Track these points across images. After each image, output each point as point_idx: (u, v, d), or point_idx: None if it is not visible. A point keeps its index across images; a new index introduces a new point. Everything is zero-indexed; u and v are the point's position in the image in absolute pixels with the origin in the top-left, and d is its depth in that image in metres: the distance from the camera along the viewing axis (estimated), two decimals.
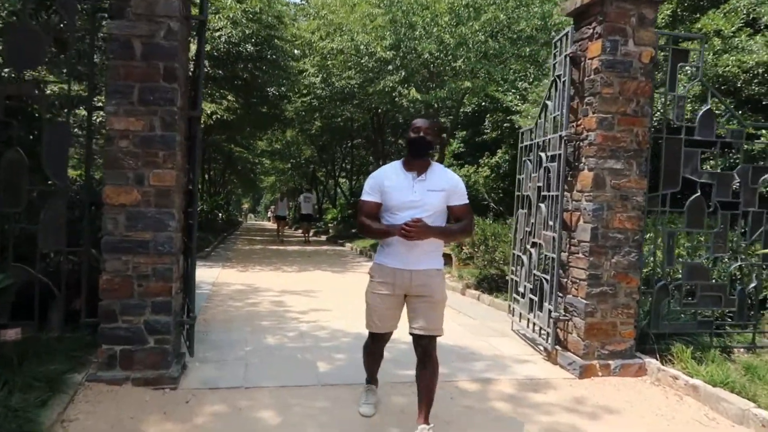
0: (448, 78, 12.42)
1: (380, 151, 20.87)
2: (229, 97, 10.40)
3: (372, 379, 3.43)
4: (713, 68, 7.10)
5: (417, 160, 3.01)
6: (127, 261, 3.58)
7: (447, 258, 10.80)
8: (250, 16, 11.08)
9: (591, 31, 4.25)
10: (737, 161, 6.03)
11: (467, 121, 16.10)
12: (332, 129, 21.13)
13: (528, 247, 5.11)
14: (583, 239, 4.22)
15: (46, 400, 3.09)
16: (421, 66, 12.48)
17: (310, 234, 20.61)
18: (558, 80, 4.60)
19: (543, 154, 4.84)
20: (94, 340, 3.84)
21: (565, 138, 4.35)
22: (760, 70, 7.13)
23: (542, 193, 4.82)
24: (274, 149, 29.43)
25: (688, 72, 6.33)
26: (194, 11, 4.15)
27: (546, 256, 4.71)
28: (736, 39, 7.41)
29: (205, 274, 9.28)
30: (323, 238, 22.72)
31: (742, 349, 4.56)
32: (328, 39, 12.40)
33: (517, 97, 12.61)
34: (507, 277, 6.62)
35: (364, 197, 3.04)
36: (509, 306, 5.64)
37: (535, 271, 4.88)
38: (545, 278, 4.62)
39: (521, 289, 5.22)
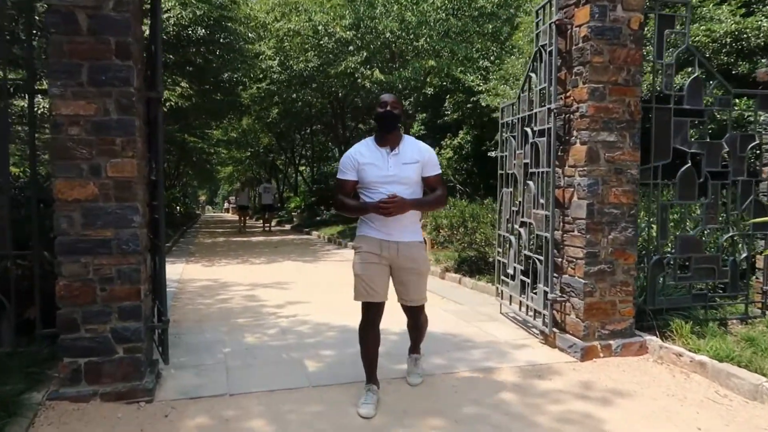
0: (411, 58, 12.13)
1: (340, 137, 20.46)
2: (182, 84, 9.82)
3: (371, 377, 3.22)
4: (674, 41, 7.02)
5: (388, 135, 3.07)
6: (86, 263, 3.18)
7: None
8: None
9: None
10: (710, 131, 5.97)
11: (427, 103, 15.86)
12: (290, 115, 20.53)
13: (516, 227, 4.90)
14: (578, 216, 4.02)
15: (2, 427, 2.70)
16: (383, 46, 12.14)
17: (272, 224, 20.39)
18: (543, 50, 4.37)
19: (529, 129, 4.62)
20: (52, 353, 3.45)
21: (554, 110, 4.12)
22: (728, 40, 7.10)
23: (530, 170, 4.60)
24: (231, 138, 28.54)
25: (670, 40, 6.20)
26: None
27: (538, 235, 4.50)
28: (704, 8, 7.34)
29: (169, 270, 8.66)
30: (287, 227, 22.24)
31: (734, 321, 4.48)
32: (285, 20, 11.90)
33: (479, 76, 12.47)
34: (490, 259, 6.44)
35: (340, 176, 3.10)
36: (497, 289, 5.44)
37: (525, 252, 4.68)
38: (538, 259, 4.42)
39: (510, 271, 5.02)
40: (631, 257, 4.06)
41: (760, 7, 7.29)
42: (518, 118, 4.89)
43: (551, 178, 4.19)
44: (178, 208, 23.02)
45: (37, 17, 4.08)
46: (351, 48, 11.89)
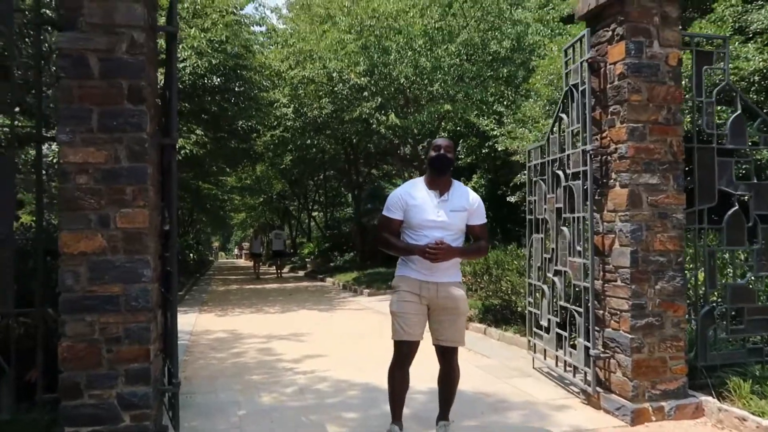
0: (425, 102, 12.07)
1: (354, 182, 20.37)
2: (198, 131, 9.77)
3: (397, 416, 3.15)
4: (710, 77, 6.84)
5: (439, 178, 3.09)
6: (92, 322, 2.93)
7: None
8: (216, 45, 10.54)
9: (610, 33, 3.83)
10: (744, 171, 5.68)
11: None
12: (304, 161, 20.57)
13: (549, 275, 4.59)
14: (621, 264, 3.72)
15: None
16: (397, 92, 12.11)
17: (283, 270, 20.53)
18: (574, 90, 4.16)
19: (560, 172, 4.37)
20: (54, 420, 3.15)
21: (590, 152, 3.88)
22: (756, 78, 6.90)
23: (563, 215, 4.33)
24: (245, 185, 28.65)
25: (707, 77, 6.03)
26: (161, 21, 3.60)
27: (574, 285, 4.19)
28: (731, 47, 7.17)
29: (181, 321, 8.43)
30: (301, 273, 21.94)
31: None
32: (299, 68, 11.94)
33: (493, 120, 12.36)
34: (519, 309, 6.09)
35: (387, 213, 3.12)
36: (529, 342, 5.09)
37: (561, 303, 4.36)
38: (577, 311, 4.09)
39: (544, 323, 4.69)
40: (681, 309, 3.73)
41: None
42: (548, 161, 4.65)
43: (589, 223, 3.91)
44: (191, 255, 22.82)
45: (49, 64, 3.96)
46: (365, 93, 11.86)
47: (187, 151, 9.27)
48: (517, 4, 12.40)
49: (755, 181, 4.23)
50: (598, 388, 3.85)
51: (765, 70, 6.80)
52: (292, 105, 13.47)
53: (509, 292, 6.21)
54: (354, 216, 22.87)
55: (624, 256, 3.69)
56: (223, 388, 4.59)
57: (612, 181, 3.81)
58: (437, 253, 2.90)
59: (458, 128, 14.29)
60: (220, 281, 19.23)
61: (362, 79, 11.35)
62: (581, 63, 4.04)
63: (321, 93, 13.30)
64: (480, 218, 3.15)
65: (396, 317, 3.06)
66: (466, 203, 3.09)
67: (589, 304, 3.89)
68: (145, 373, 2.96)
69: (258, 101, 11.89)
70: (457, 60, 11.50)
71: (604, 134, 3.90)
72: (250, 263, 23.76)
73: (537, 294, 4.93)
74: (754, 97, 6.95)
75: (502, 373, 4.89)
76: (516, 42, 11.82)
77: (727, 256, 4.52)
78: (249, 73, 11.38)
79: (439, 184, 3.08)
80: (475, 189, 15.63)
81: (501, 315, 6.82)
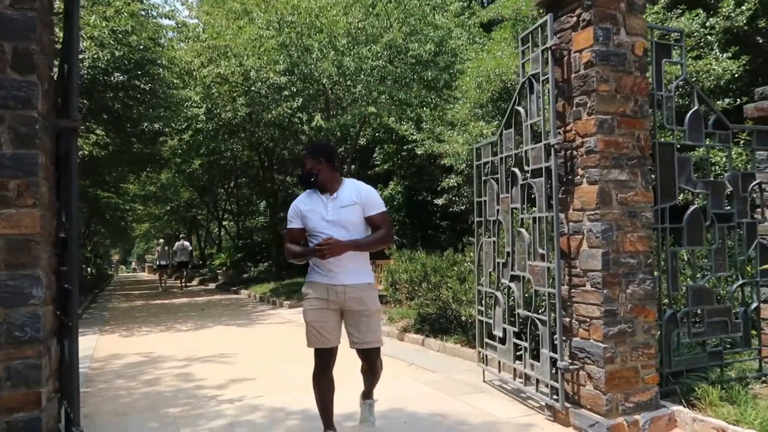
0: (348, 104, 11.63)
1: (268, 189, 19.52)
2: (98, 131, 8.68)
3: (329, 424, 3.17)
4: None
5: (319, 185, 3.15)
6: None
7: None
8: (120, 37, 9.51)
9: (575, 19, 3.56)
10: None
11: (356, 154, 15.37)
12: (215, 167, 19.47)
13: (505, 281, 4.26)
14: (591, 267, 3.43)
15: None
16: (319, 93, 11.59)
17: (188, 282, 20.17)
18: (534, 81, 3.86)
19: (517, 170, 4.06)
20: None
21: (555, 146, 3.59)
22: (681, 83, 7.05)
23: (520, 216, 4.02)
24: (148, 193, 26.80)
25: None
26: None
27: (536, 292, 3.87)
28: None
29: (80, 344, 7.47)
30: (212, 286, 20.73)
31: (750, 379, 4.00)
32: (213, 65, 11.10)
33: (412, 126, 12.18)
34: (460, 318, 5.74)
35: (288, 225, 3.20)
36: (479, 353, 4.73)
37: (520, 311, 4.03)
38: (540, 319, 3.77)
39: (497, 333, 4.35)
40: (652, 314, 3.50)
41: (708, 51, 7.34)
42: (501, 158, 4.34)
43: (554, 224, 3.61)
44: (89, 269, 20.96)
45: None
46: (285, 93, 11.23)
47: (86, 153, 8.19)
48: (440, 7, 12.27)
49: (712, 179, 4.13)
50: (566, 404, 3.54)
51: (693, 75, 6.93)
52: (205, 105, 12.54)
53: (450, 300, 5.86)
54: (268, 225, 21.97)
55: (594, 259, 3.40)
56: (135, 426, 3.86)
57: (579, 177, 3.53)
58: (324, 248, 2.92)
59: (377, 134, 13.98)
60: (122, 297, 17.68)
61: (282, 78, 10.73)
62: (542, 51, 3.75)
63: (236, 93, 12.51)
64: (375, 207, 3.12)
65: (309, 325, 3.09)
66: (356, 197, 3.10)
67: (555, 312, 3.58)
68: (35, 426, 2.26)
69: (167, 99, 10.88)
70: (380, 62, 11.16)
71: (568, 127, 3.62)
72: (155, 276, 22.29)
73: (488, 301, 4.60)
74: (679, 101, 7.09)
75: (453, 389, 4.49)
76: (438, 46, 11.68)
77: (686, 257, 4.40)
78: (157, 69, 10.39)
79: (328, 187, 3.13)
80: (392, 196, 15.48)
81: (438, 324, 6.47)
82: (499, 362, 4.37)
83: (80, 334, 7.91)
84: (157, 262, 19.97)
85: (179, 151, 17.66)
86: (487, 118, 8.45)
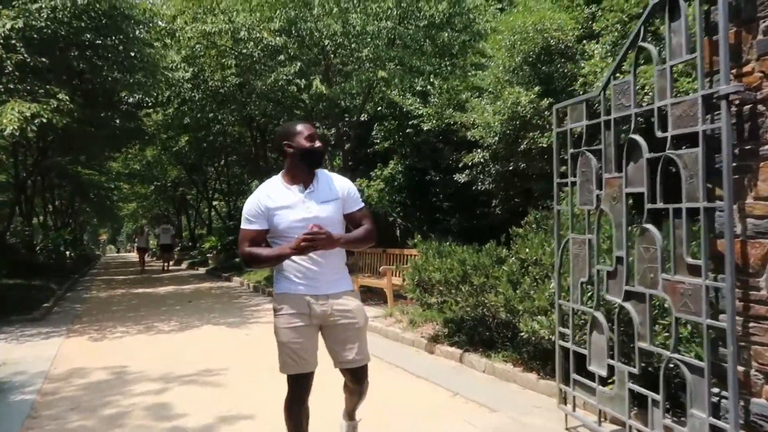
0: (354, 69, 10.21)
1: (262, 168, 18.11)
2: (60, 96, 7.27)
3: None
4: None
5: (303, 172, 2.61)
6: None
7: (381, 294, 8.47)
8: None
9: None
10: None
11: (359, 130, 14.05)
12: (206, 144, 18.08)
13: (614, 298, 2.98)
14: None
15: None
16: (320, 55, 10.16)
17: (170, 264, 20.50)
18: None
19: (639, 138, 2.75)
20: None
21: (726, 97, 2.27)
22: None
23: (647, 206, 2.72)
24: (133, 171, 25.29)
25: None
26: None
27: (678, 319, 2.59)
28: None
29: (37, 352, 6.20)
30: (202, 270, 19.46)
31: None
32: (198, 22, 9.61)
33: (418, 100, 10.96)
34: (517, 332, 4.45)
35: (246, 226, 2.59)
36: (560, 391, 3.47)
37: (643, 345, 2.75)
38: (687, 364, 2.50)
39: (594, 368, 3.08)
40: None
41: None
42: (607, 121, 3.02)
43: (726, 220, 2.31)
44: (68, 253, 19.57)
45: None
46: (281, 57, 9.80)
47: (44, 120, 6.79)
48: None
49: None
50: None
51: None
52: (191, 69, 11.06)
53: (500, 309, 4.58)
54: None
55: None
56: None
57: (767, 148, 2.23)
58: (316, 240, 2.40)
59: (380, 108, 12.59)
60: (104, 283, 16.35)
61: (277, 38, 9.28)
62: None
63: (225, 59, 11.05)
64: (356, 203, 2.70)
65: (285, 347, 2.56)
66: (337, 191, 2.65)
67: (731, 358, 2.30)
68: None
69: (144, 61, 9.39)
70: (389, 23, 9.74)
71: (745, 69, 2.31)
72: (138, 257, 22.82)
73: (577, 322, 3.33)
74: None
75: None
76: (453, 6, 10.26)
77: None
78: (129, 24, 8.89)
79: (300, 177, 2.60)
80: (392, 176, 14.23)
81: (478, 334, 5.21)
82: (601, 411, 3.10)
83: (42, 338, 6.59)
84: (136, 245, 22.17)
85: (163, 126, 16.24)
86: (524, 83, 7.10)
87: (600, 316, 3.07)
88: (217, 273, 16.81)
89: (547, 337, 3.98)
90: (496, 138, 7.11)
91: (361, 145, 14.03)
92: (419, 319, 6.37)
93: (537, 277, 4.48)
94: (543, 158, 6.80)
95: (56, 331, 7.70)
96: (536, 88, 6.72)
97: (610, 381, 3.07)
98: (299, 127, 2.61)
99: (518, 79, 7.18)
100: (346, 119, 12.71)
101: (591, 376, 3.14)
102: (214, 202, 27.88)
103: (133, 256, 41.20)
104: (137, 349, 6.35)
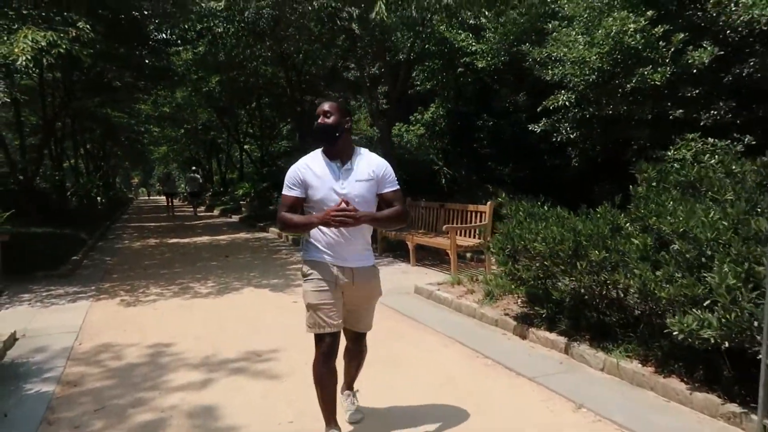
0: None
1: (296, 113, 17.00)
2: (80, 24, 6.26)
3: (332, 421, 2.74)
4: None
5: (334, 147, 2.69)
6: None
7: (437, 254, 7.40)
8: None
9: None
10: None
11: (389, 72, 12.78)
12: (238, 84, 17.03)
13: None
14: None
15: None
16: None
17: (198, 209, 22.33)
18: None
19: None
20: None
21: None
22: None
23: None
24: (163, 113, 24.42)
25: None
26: None
27: None
28: None
29: (61, 321, 5.45)
30: (235, 218, 18.78)
31: None
32: None
33: (470, 35, 9.85)
34: (675, 332, 3.39)
35: (285, 192, 2.74)
36: (765, 428, 2.47)
37: None
38: None
39: None
40: None
41: None
42: None
43: None
44: (99, 199, 19.04)
45: None
46: None
47: (61, 51, 5.81)
48: None
49: None
50: None
51: None
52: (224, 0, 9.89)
53: (633, 294, 3.54)
54: (291, 150, 19.79)
55: None
56: None
57: None
58: (343, 216, 2.48)
59: (427, 45, 11.28)
60: (136, 230, 15.79)
61: None
62: None
63: None
64: (392, 184, 2.75)
65: (315, 309, 2.67)
66: (373, 171, 2.71)
67: None
68: None
69: None
70: None
71: None
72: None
73: None
74: None
75: None
76: None
77: None
78: None
79: (338, 152, 2.69)
80: (433, 120, 13.12)
81: (585, 318, 4.21)
82: None
83: (69, 300, 5.78)
84: (165, 190, 23.45)
85: (193, 67, 15.22)
86: (631, 6, 5.80)
87: None
88: (251, 222, 16.08)
89: (713, 340, 2.96)
90: (593, 76, 5.88)
91: (401, 87, 12.86)
92: (496, 291, 5.41)
93: (684, 256, 3.40)
94: (655, 100, 5.58)
95: (84, 291, 6.98)
96: (649, 12, 5.43)
97: None
98: (319, 107, 2.70)
99: (622, 2, 5.88)
100: (387, 58, 11.48)
101: None
102: (246, 146, 27.00)
103: (164, 200, 41.34)
104: (172, 319, 5.56)
